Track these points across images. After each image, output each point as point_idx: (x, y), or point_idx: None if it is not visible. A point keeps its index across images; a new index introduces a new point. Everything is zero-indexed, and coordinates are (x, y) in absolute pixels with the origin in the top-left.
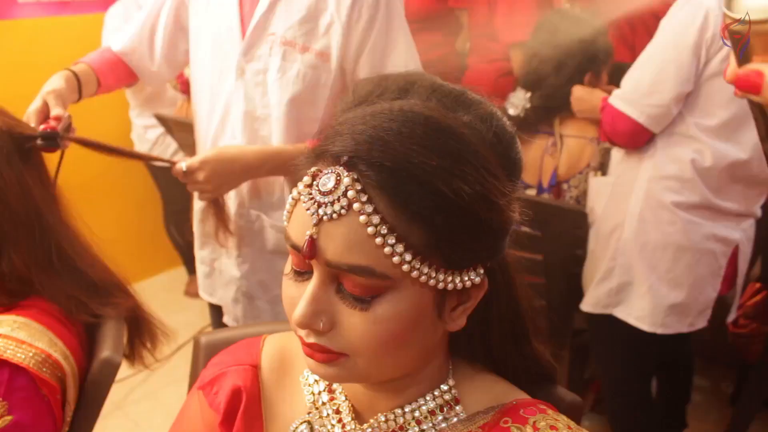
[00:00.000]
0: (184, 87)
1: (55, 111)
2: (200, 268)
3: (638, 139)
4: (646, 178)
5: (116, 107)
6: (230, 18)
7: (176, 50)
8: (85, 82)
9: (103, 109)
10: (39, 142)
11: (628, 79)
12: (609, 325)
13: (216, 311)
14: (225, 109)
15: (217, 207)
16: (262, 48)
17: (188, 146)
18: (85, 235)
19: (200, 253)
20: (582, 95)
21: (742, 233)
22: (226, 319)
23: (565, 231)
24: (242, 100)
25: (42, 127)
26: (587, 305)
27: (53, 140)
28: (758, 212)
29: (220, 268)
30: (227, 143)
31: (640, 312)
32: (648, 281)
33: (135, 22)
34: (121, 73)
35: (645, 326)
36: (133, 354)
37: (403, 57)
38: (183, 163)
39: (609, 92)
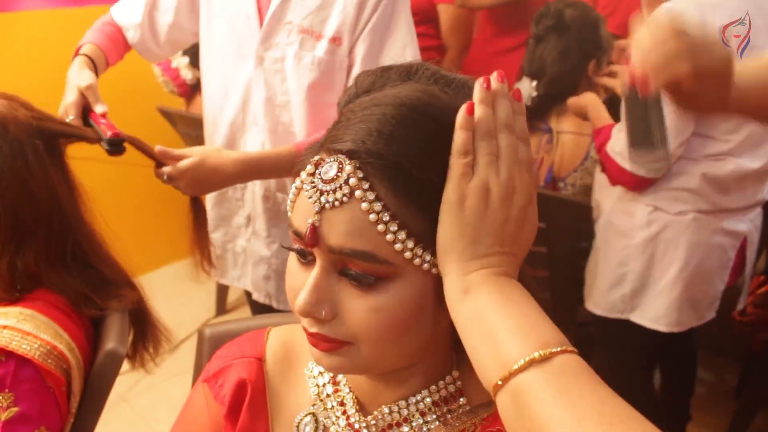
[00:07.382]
0: (182, 90)
1: (100, 108)
2: (213, 251)
3: (644, 186)
4: (653, 188)
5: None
6: (247, 6)
7: (183, 32)
8: (99, 66)
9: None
10: (106, 147)
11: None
12: (617, 325)
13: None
14: (245, 95)
15: (196, 207)
16: (280, 36)
17: (191, 138)
18: (101, 233)
19: (213, 236)
20: (594, 102)
21: (750, 223)
22: (256, 297)
23: (570, 224)
24: (262, 88)
25: (110, 133)
26: (600, 309)
27: (119, 146)
28: (767, 197)
29: (251, 249)
30: (249, 129)
31: (654, 313)
32: (660, 283)
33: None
34: (121, 49)
35: (661, 327)
36: (135, 356)
37: (401, 42)
38: (166, 169)
39: (611, 74)
